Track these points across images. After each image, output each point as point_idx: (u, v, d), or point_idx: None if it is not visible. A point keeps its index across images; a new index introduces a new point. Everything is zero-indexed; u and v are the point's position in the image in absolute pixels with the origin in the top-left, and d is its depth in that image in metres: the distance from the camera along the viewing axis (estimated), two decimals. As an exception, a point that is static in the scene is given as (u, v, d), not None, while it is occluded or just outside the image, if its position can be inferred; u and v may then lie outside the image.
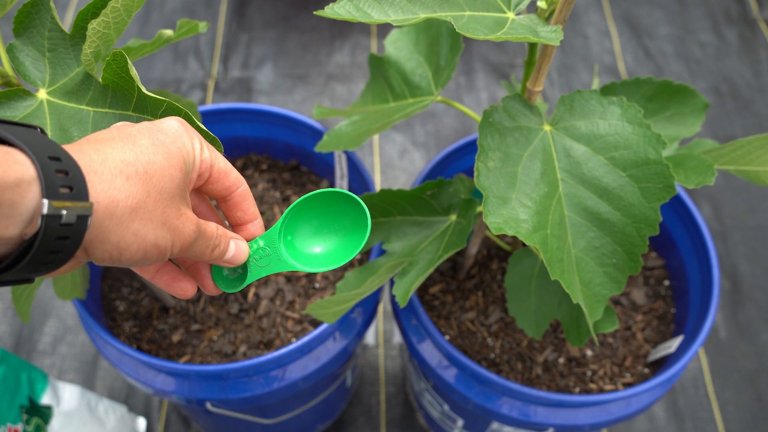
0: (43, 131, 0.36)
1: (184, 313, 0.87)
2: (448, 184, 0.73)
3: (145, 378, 0.77)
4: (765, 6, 1.75)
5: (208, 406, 0.77)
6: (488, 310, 0.87)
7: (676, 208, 0.87)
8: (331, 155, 0.93)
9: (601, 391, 0.82)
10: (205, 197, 0.47)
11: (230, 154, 1.00)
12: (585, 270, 0.60)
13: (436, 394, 0.92)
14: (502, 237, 0.92)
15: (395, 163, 1.48)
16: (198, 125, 0.44)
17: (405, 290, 0.66)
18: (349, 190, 0.93)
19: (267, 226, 0.89)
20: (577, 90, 0.60)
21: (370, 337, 1.18)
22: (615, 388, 0.82)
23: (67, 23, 1.68)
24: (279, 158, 1.00)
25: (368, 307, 0.81)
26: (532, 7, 0.58)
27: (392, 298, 0.80)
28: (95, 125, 0.48)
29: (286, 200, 0.96)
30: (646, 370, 0.84)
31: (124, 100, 0.47)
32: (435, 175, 0.88)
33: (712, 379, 1.23)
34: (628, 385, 0.82)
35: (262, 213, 0.94)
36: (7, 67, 0.51)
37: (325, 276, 0.89)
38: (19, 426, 0.81)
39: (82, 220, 0.33)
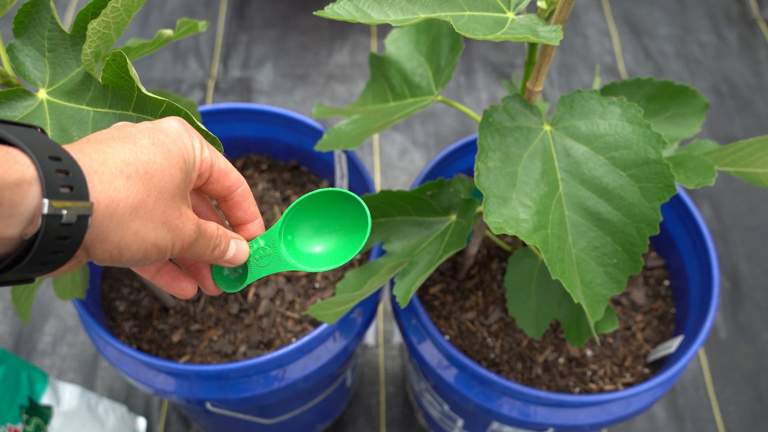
0: (43, 131, 0.36)
1: (184, 313, 0.87)
2: (448, 184, 0.73)
3: (145, 378, 0.77)
4: (765, 6, 1.75)
5: (208, 406, 0.77)
6: (488, 310, 0.87)
7: (676, 208, 0.87)
8: (331, 155, 0.93)
9: (601, 391, 0.82)
10: (206, 197, 0.47)
11: (230, 154, 1.00)
12: (586, 270, 0.60)
13: (436, 394, 0.92)
14: (502, 237, 0.92)
15: (395, 163, 1.48)
16: (198, 125, 0.44)
17: (406, 290, 0.66)
18: (349, 189, 0.93)
19: (267, 226, 0.89)
20: (577, 90, 0.60)
21: (370, 337, 1.18)
22: (615, 388, 0.82)
23: (67, 23, 1.68)
24: (279, 158, 1.00)
25: (368, 308, 0.81)
26: (532, 7, 0.58)
27: (392, 298, 0.80)
28: (95, 125, 0.48)
29: (286, 200, 0.96)
30: (646, 370, 0.84)
31: (124, 100, 0.47)
32: (435, 175, 0.88)
33: (712, 379, 1.23)
34: (628, 385, 0.82)
35: (262, 213, 0.94)
36: (7, 67, 0.51)
37: (325, 276, 0.89)
38: (19, 426, 0.81)
39: (83, 220, 0.33)
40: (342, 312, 0.68)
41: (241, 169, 1.00)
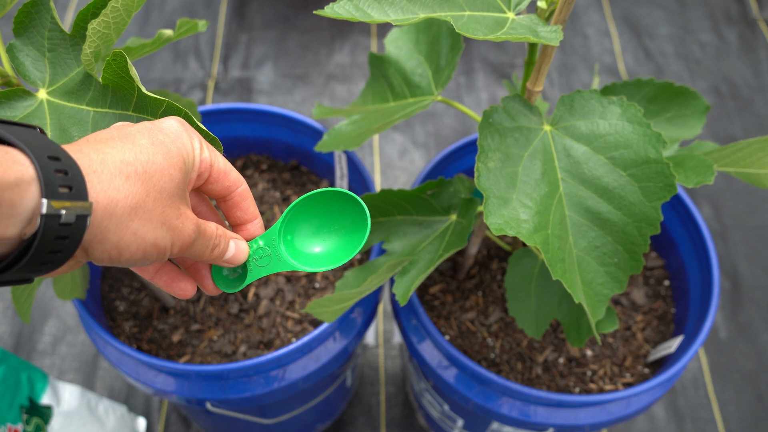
0: (42, 131, 0.36)
1: (184, 313, 0.87)
2: (449, 184, 0.73)
3: (145, 378, 0.77)
4: (765, 6, 1.75)
5: (208, 406, 0.77)
6: (488, 310, 0.87)
7: (676, 207, 0.87)
8: (331, 155, 0.93)
9: (601, 391, 0.82)
10: (205, 197, 0.47)
11: (230, 154, 1.00)
12: (586, 270, 0.60)
13: (436, 394, 0.92)
14: (502, 237, 0.92)
15: (395, 163, 1.48)
16: (198, 125, 0.44)
17: (405, 289, 0.66)
18: (349, 189, 0.93)
19: (267, 226, 0.89)
20: (577, 90, 0.60)
21: (370, 337, 1.18)
22: (615, 388, 0.82)
23: (67, 23, 1.68)
24: (279, 158, 1.00)
25: (368, 307, 0.81)
26: (532, 7, 0.58)
27: (392, 297, 0.80)
28: (95, 125, 0.48)
29: (286, 200, 0.96)
30: (646, 370, 0.84)
31: (124, 100, 0.47)
32: (435, 175, 0.88)
33: (712, 379, 1.23)
34: (628, 385, 0.82)
35: (262, 213, 0.94)
36: (7, 67, 0.51)
37: (325, 276, 0.89)
38: (19, 426, 0.81)
39: (82, 220, 0.33)
40: (341, 310, 0.68)
41: (241, 169, 1.00)
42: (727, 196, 1.44)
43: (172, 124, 0.40)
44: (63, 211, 0.32)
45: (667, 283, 0.91)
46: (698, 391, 1.22)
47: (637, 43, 1.67)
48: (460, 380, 0.76)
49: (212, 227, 0.43)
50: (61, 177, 0.32)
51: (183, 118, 0.44)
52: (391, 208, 0.73)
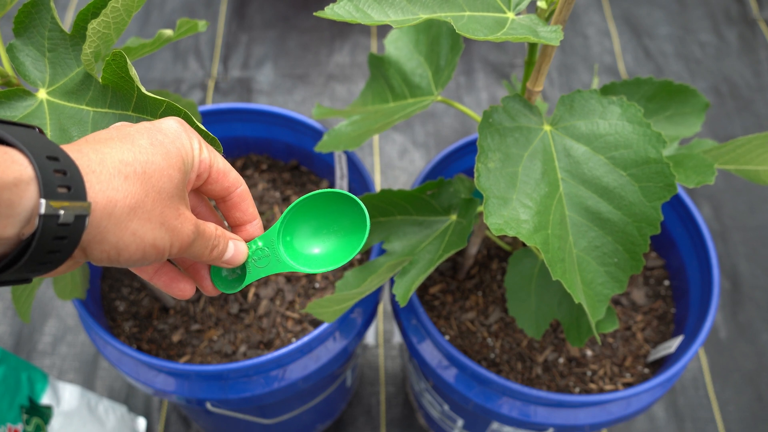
0: (41, 131, 0.36)
1: (184, 313, 0.87)
2: (449, 184, 0.73)
3: (145, 378, 0.77)
4: (765, 6, 1.75)
5: (208, 406, 0.77)
6: (488, 310, 0.87)
7: (676, 207, 0.87)
8: (331, 155, 0.93)
9: (601, 391, 0.82)
10: (204, 198, 0.47)
11: (230, 154, 1.00)
12: (586, 270, 0.60)
13: (436, 394, 0.92)
14: (502, 237, 0.92)
15: (395, 163, 1.48)
16: (197, 125, 0.44)
17: (405, 289, 0.66)
18: (349, 190, 0.93)
19: (267, 226, 0.89)
20: (577, 90, 0.60)
21: (370, 337, 1.18)
22: (615, 388, 0.82)
23: (67, 23, 1.68)
24: (279, 158, 1.00)
25: (368, 307, 0.81)
26: (532, 7, 0.58)
27: (392, 297, 0.80)
28: (95, 125, 0.48)
29: (286, 200, 0.96)
30: (646, 370, 0.84)
31: (124, 100, 0.47)
32: (435, 175, 0.88)
33: (712, 379, 1.23)
34: (628, 385, 0.82)
35: (262, 213, 0.94)
36: (7, 67, 0.51)
37: (325, 276, 0.89)
38: (19, 426, 0.81)
39: (80, 220, 0.33)
40: (341, 310, 0.68)
41: (241, 169, 1.00)
42: (727, 196, 1.44)
43: (172, 124, 0.40)
44: (61, 212, 0.32)
45: (667, 283, 0.91)
46: (698, 391, 1.22)
47: (637, 43, 1.67)
48: (460, 380, 0.76)
49: (211, 228, 0.42)
50: (59, 177, 0.32)
51: (182, 118, 0.44)
52: (391, 208, 0.73)
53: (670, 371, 0.73)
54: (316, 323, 0.85)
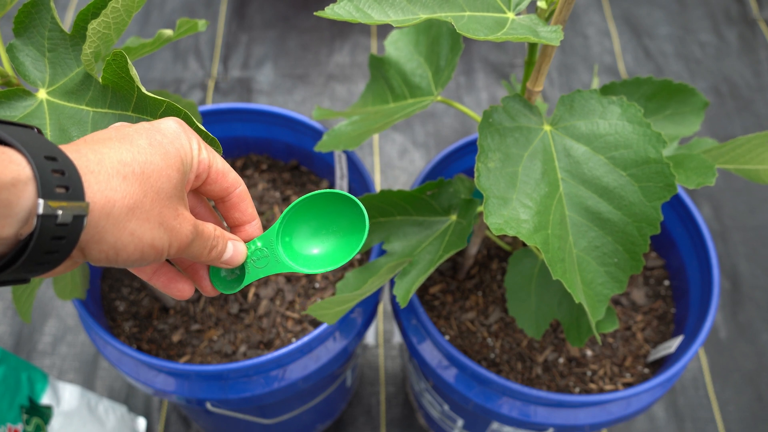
0: (39, 131, 0.36)
1: (184, 313, 0.87)
2: (449, 185, 0.73)
3: (145, 378, 0.77)
4: (765, 6, 1.75)
5: (208, 406, 0.77)
6: (488, 310, 0.87)
7: (676, 208, 0.87)
8: (331, 155, 0.93)
9: (601, 391, 0.82)
10: (203, 198, 0.47)
11: (230, 154, 1.00)
12: (586, 270, 0.60)
13: (436, 394, 0.92)
14: (502, 237, 0.92)
15: (395, 163, 1.48)
16: (197, 126, 0.44)
17: (406, 290, 0.66)
18: (349, 190, 0.93)
19: (267, 227, 0.89)
20: (577, 90, 0.60)
21: (370, 337, 1.18)
22: (615, 388, 0.82)
23: (67, 23, 1.68)
24: (279, 158, 1.00)
25: (368, 307, 0.81)
26: (532, 7, 0.58)
27: (392, 298, 0.80)
28: (95, 125, 0.48)
29: (286, 200, 0.96)
30: (646, 370, 0.84)
31: (124, 100, 0.47)
32: (435, 175, 0.88)
33: (712, 379, 1.23)
34: (628, 385, 0.82)
35: (262, 213, 0.94)
36: (7, 67, 0.51)
37: (325, 276, 0.89)
38: (19, 426, 0.81)
39: (78, 220, 0.33)
40: (342, 312, 0.68)
41: (241, 169, 1.00)
42: (727, 196, 1.44)
43: (171, 124, 0.40)
44: (59, 212, 0.32)
45: (667, 283, 0.91)
46: (698, 391, 1.22)
47: (637, 43, 1.67)
48: (460, 380, 0.76)
49: (210, 228, 0.42)
50: (57, 177, 0.32)
51: (182, 118, 0.44)
52: (391, 208, 0.73)
53: (670, 371, 0.73)
54: (316, 323, 0.85)
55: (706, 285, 0.80)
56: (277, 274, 0.89)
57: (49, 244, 0.32)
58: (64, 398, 0.92)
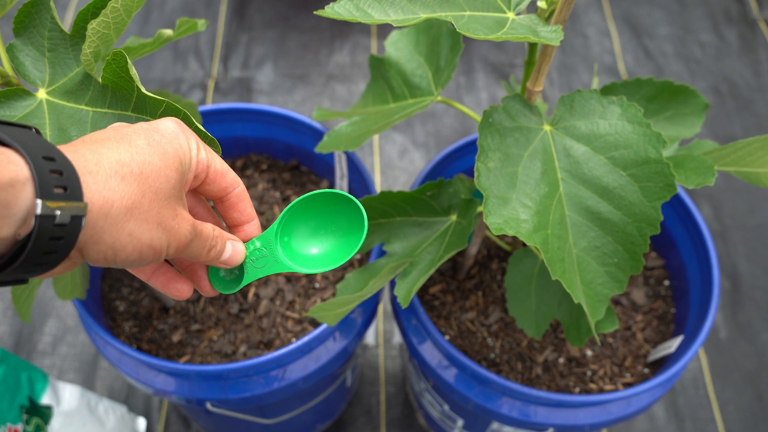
0: (38, 131, 0.36)
1: (184, 313, 0.87)
2: (448, 185, 0.73)
3: (145, 378, 0.77)
4: (765, 6, 1.75)
5: (208, 406, 0.77)
6: (488, 310, 0.87)
7: (676, 208, 0.86)
8: (331, 155, 0.93)
9: (601, 391, 0.82)
10: (202, 198, 0.47)
11: (230, 154, 1.00)
12: (586, 270, 0.59)
13: (436, 394, 0.92)
14: (502, 237, 0.92)
15: (395, 163, 1.48)
16: (196, 126, 0.44)
17: (407, 291, 0.66)
18: (349, 190, 0.93)
19: (267, 226, 0.89)
20: (577, 90, 0.60)
21: (370, 337, 1.18)
22: (615, 388, 0.82)
23: (67, 23, 1.68)
24: (279, 158, 1.00)
25: (368, 308, 0.81)
26: (533, 7, 0.58)
27: (392, 298, 0.80)
28: (94, 125, 0.48)
29: (286, 200, 0.96)
30: (646, 370, 0.84)
31: (124, 100, 0.47)
32: (435, 175, 0.88)
33: (712, 379, 1.23)
34: (628, 385, 0.82)
35: (261, 213, 0.94)
36: (7, 67, 0.51)
37: (325, 276, 0.89)
38: (19, 426, 0.81)
39: (76, 221, 0.33)
40: (343, 313, 0.68)
41: (241, 169, 1.00)
42: (727, 196, 1.44)
43: (169, 124, 0.40)
44: (58, 212, 0.32)
45: (667, 283, 0.91)
46: (698, 391, 1.22)
47: (637, 43, 1.67)
48: (460, 380, 0.76)
49: (209, 228, 0.42)
50: (56, 177, 0.32)
51: (182, 118, 0.44)
52: (391, 209, 0.73)
53: (670, 371, 0.73)
54: (316, 323, 0.85)
55: (706, 285, 0.80)
56: (276, 274, 0.89)
57: (47, 244, 0.32)
58: (64, 398, 0.92)
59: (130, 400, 1.19)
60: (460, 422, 0.94)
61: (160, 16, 1.71)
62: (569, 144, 0.59)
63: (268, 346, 0.84)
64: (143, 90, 0.45)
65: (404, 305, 0.65)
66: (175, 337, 0.85)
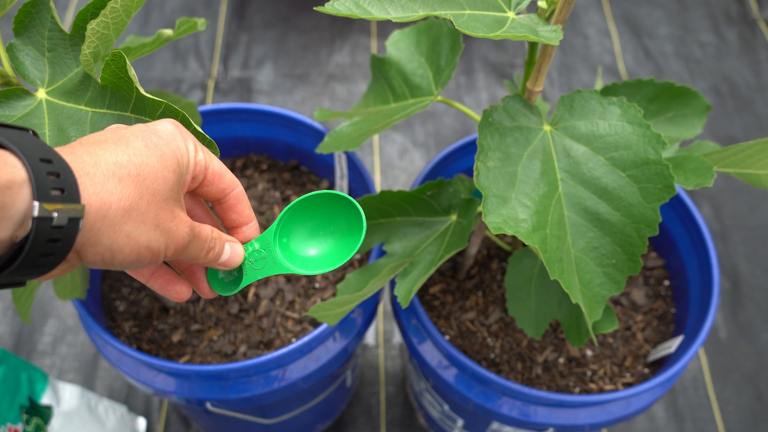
0: (35, 133, 0.36)
1: (184, 313, 0.87)
2: (448, 185, 0.73)
3: (145, 378, 0.77)
4: (765, 6, 1.75)
5: (208, 406, 0.77)
6: (488, 310, 0.87)
7: (676, 208, 0.86)
8: (331, 155, 0.93)
9: (601, 391, 0.82)
10: (200, 200, 0.47)
11: (230, 154, 1.00)
12: (584, 270, 0.59)
13: (436, 394, 0.92)
14: (502, 237, 0.92)
15: (395, 163, 1.48)
16: (194, 128, 0.44)
17: (407, 291, 0.66)
18: (349, 190, 0.93)
19: (267, 226, 0.89)
20: (577, 90, 0.60)
21: (370, 337, 1.18)
22: (615, 388, 0.82)
23: (67, 23, 1.68)
24: (279, 158, 1.00)
25: (368, 308, 0.81)
26: (533, 7, 0.58)
27: (392, 298, 0.80)
28: (93, 126, 0.48)
29: (286, 200, 0.96)
30: (646, 370, 0.84)
31: (123, 100, 0.47)
32: (435, 175, 0.88)
33: (712, 379, 1.23)
34: (628, 385, 0.82)
35: (262, 213, 0.94)
36: (7, 67, 0.51)
37: (325, 276, 0.89)
38: (19, 426, 0.81)
39: (74, 223, 0.33)
40: (343, 313, 0.68)
41: (241, 169, 1.00)
42: (727, 196, 1.44)
43: (167, 126, 0.40)
44: (55, 214, 0.32)
45: (667, 283, 0.91)
46: (698, 391, 1.22)
47: (637, 43, 1.67)
48: (460, 380, 0.76)
49: (207, 230, 0.42)
50: (53, 179, 0.32)
51: (180, 120, 0.44)
52: (391, 209, 0.73)
53: (670, 371, 0.73)
54: (316, 323, 0.85)
55: (706, 285, 0.80)
56: (276, 275, 0.89)
57: (44, 246, 0.32)
58: (64, 398, 0.92)
59: (130, 400, 1.19)
60: (460, 422, 0.94)
61: (160, 15, 1.71)
62: (569, 144, 0.59)
63: (268, 346, 0.84)
64: (142, 91, 0.45)
65: (404, 305, 0.65)
66: (175, 337, 0.85)
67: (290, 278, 0.89)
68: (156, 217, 0.37)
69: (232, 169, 0.99)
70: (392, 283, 0.82)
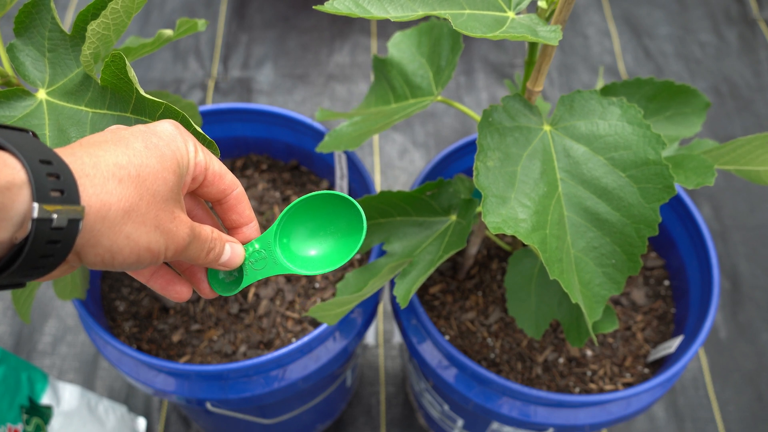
0: (35, 134, 0.36)
1: (184, 313, 0.87)
2: (448, 185, 0.73)
3: (145, 378, 0.77)
4: (765, 6, 1.75)
5: (208, 406, 0.77)
6: (488, 310, 0.87)
7: (676, 208, 0.86)
8: (331, 155, 0.93)
9: (601, 391, 0.82)
10: (201, 200, 0.47)
11: (230, 154, 1.00)
12: (584, 270, 0.59)
13: (436, 394, 0.92)
14: (502, 237, 0.92)
15: (395, 163, 1.48)
16: (195, 128, 0.44)
17: (406, 291, 0.66)
18: (349, 190, 0.93)
19: (268, 226, 0.89)
20: (577, 90, 0.60)
21: (370, 337, 1.18)
22: (615, 388, 0.82)
23: (67, 23, 1.68)
24: (279, 158, 1.00)
25: (368, 308, 0.81)
26: (533, 7, 0.58)
27: (392, 298, 0.80)
28: (93, 126, 0.48)
29: (286, 200, 0.96)
30: (646, 370, 0.84)
31: (123, 101, 0.47)
32: (435, 175, 0.88)
33: (712, 379, 1.23)
34: (628, 385, 0.82)
35: (262, 213, 0.94)
36: (7, 67, 0.51)
37: (325, 276, 0.89)
38: (19, 426, 0.81)
39: (74, 224, 0.33)
40: (343, 313, 0.68)
41: (241, 169, 1.00)
42: (727, 196, 1.44)
43: (167, 127, 0.40)
44: (55, 215, 0.32)
45: (667, 283, 0.91)
46: (698, 391, 1.22)
47: (637, 43, 1.67)
48: (460, 380, 0.76)
49: (207, 230, 0.42)
50: (52, 181, 0.32)
51: (181, 120, 0.44)
52: (391, 209, 0.73)
53: (670, 371, 0.73)
54: (316, 323, 0.85)
55: (706, 285, 0.80)
56: (276, 275, 0.89)
57: (44, 248, 0.32)
58: (64, 398, 0.92)
59: (130, 400, 1.19)
60: (460, 422, 0.94)
61: (160, 16, 1.71)
62: (569, 144, 0.59)
63: (268, 346, 0.84)
64: (142, 92, 0.45)
65: (403, 305, 0.65)
66: (175, 337, 0.85)
67: (290, 278, 0.89)
68: (156, 218, 0.37)
69: (232, 169, 0.99)
70: (392, 283, 0.82)
